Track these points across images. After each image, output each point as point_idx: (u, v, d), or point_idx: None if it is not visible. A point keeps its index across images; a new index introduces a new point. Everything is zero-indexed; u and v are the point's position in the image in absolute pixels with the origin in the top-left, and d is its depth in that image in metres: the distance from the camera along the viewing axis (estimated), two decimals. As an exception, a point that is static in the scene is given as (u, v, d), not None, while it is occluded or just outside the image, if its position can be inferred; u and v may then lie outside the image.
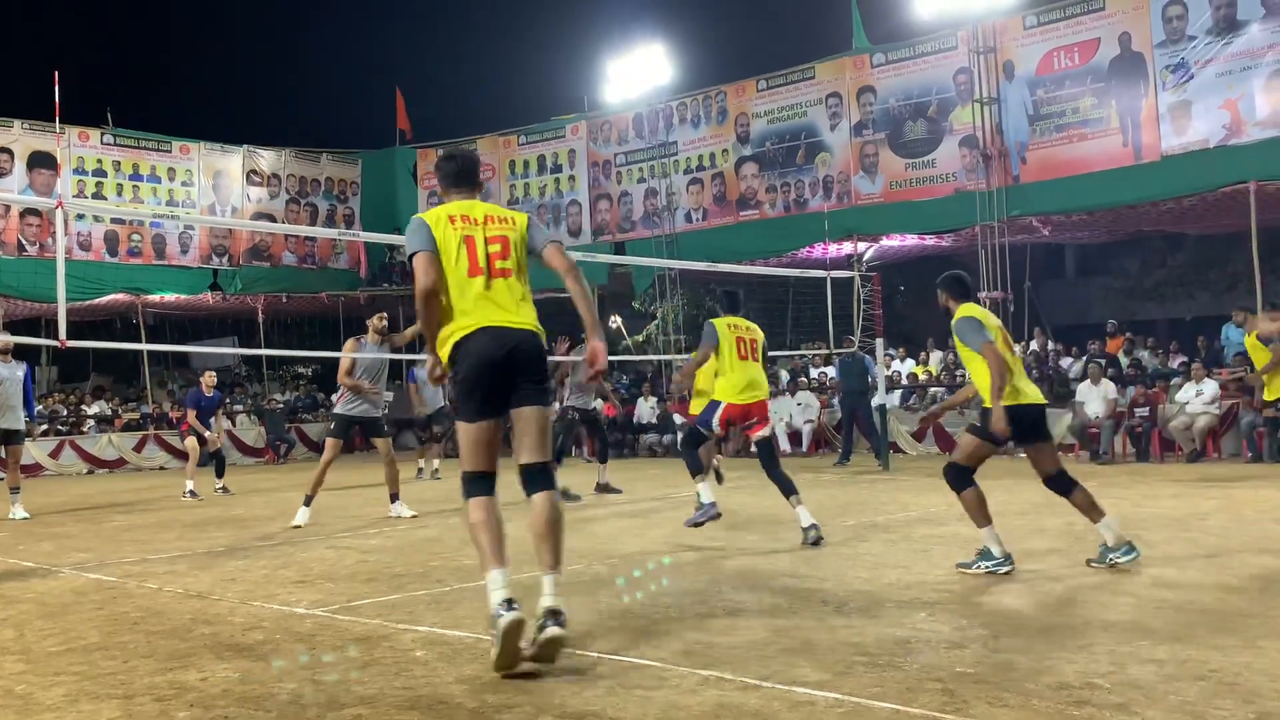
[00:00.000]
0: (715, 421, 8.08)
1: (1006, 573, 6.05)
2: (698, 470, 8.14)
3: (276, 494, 13.62)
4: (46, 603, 6.16)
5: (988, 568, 6.08)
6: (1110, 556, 6.11)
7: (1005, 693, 3.73)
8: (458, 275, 4.48)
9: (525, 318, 4.51)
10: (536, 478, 4.48)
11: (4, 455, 11.74)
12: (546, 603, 4.21)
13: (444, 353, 4.51)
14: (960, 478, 6.34)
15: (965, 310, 6.45)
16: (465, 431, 4.50)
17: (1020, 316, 18.41)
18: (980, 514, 6.26)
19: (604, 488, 11.99)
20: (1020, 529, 7.95)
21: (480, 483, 4.51)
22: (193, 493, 13.31)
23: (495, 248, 4.56)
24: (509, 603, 4.17)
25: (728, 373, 8.02)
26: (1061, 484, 6.36)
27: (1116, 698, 3.65)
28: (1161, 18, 16.36)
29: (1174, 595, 5.31)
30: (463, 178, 4.86)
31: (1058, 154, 17.46)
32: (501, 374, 4.42)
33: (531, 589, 4.37)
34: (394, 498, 10.05)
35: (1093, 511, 6.25)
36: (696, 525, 7.95)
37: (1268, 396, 12.18)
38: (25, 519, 11.25)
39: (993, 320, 6.44)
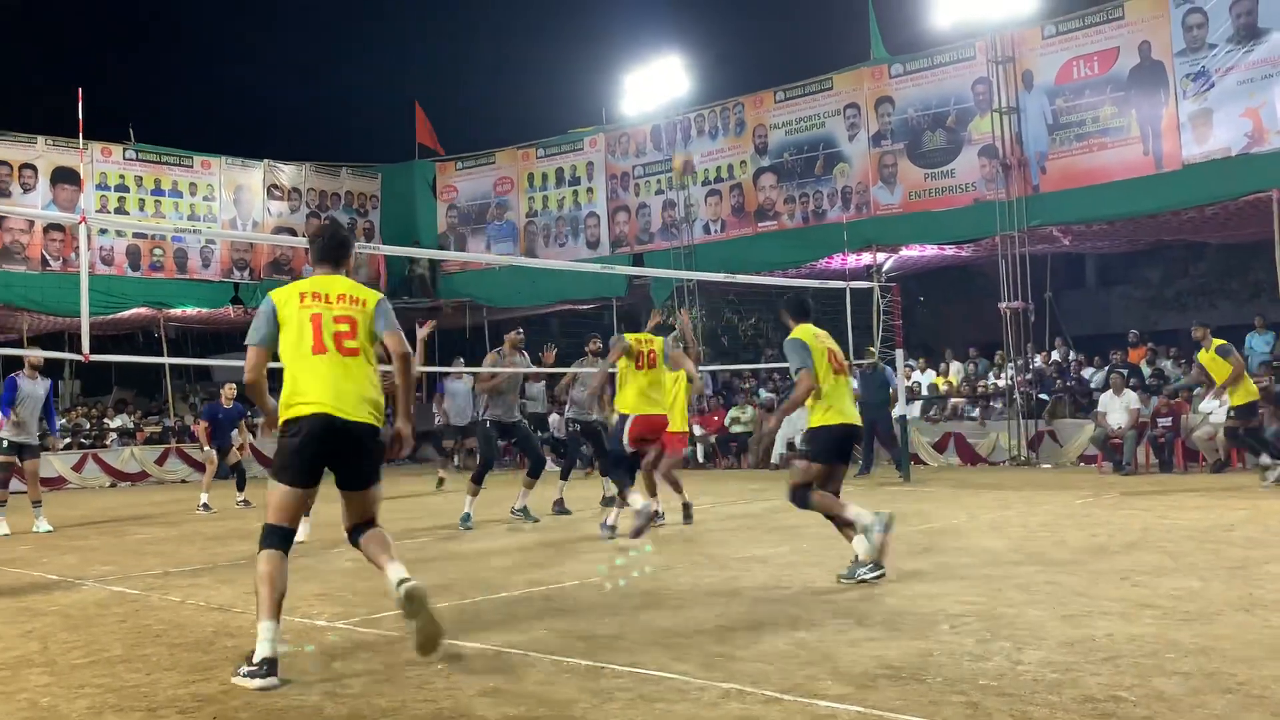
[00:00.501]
0: (625, 438, 8.73)
1: (878, 578, 6.20)
2: (625, 484, 8.68)
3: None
4: (70, 615, 6.20)
5: (864, 575, 6.24)
6: (859, 573, 6.26)
7: (1030, 705, 3.70)
8: (301, 351, 4.70)
9: (362, 407, 4.69)
10: (361, 529, 4.85)
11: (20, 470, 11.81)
12: (398, 575, 4.68)
13: (282, 417, 4.71)
14: (802, 497, 6.58)
15: (796, 332, 6.85)
16: (279, 492, 4.69)
17: (1041, 327, 18.33)
18: (839, 514, 6.54)
19: (609, 501, 11.87)
20: (1043, 541, 7.91)
21: (278, 537, 4.68)
22: (206, 506, 13.39)
23: (344, 327, 4.77)
24: (271, 666, 4.44)
25: (629, 385, 8.88)
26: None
27: (1142, 710, 3.62)
28: (1181, 26, 16.28)
29: (1199, 607, 5.27)
30: (327, 254, 5.09)
31: (1078, 163, 17.37)
32: (329, 457, 4.70)
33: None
34: None
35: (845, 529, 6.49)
36: (638, 534, 8.30)
37: (1234, 402, 12.43)
38: (49, 531, 11.34)
39: (822, 345, 6.78)
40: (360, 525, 4.85)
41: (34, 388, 11.55)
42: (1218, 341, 12.39)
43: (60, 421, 22.47)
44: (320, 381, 4.64)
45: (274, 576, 4.58)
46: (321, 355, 4.69)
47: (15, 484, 12.10)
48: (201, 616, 6.01)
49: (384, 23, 50.87)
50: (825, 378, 6.65)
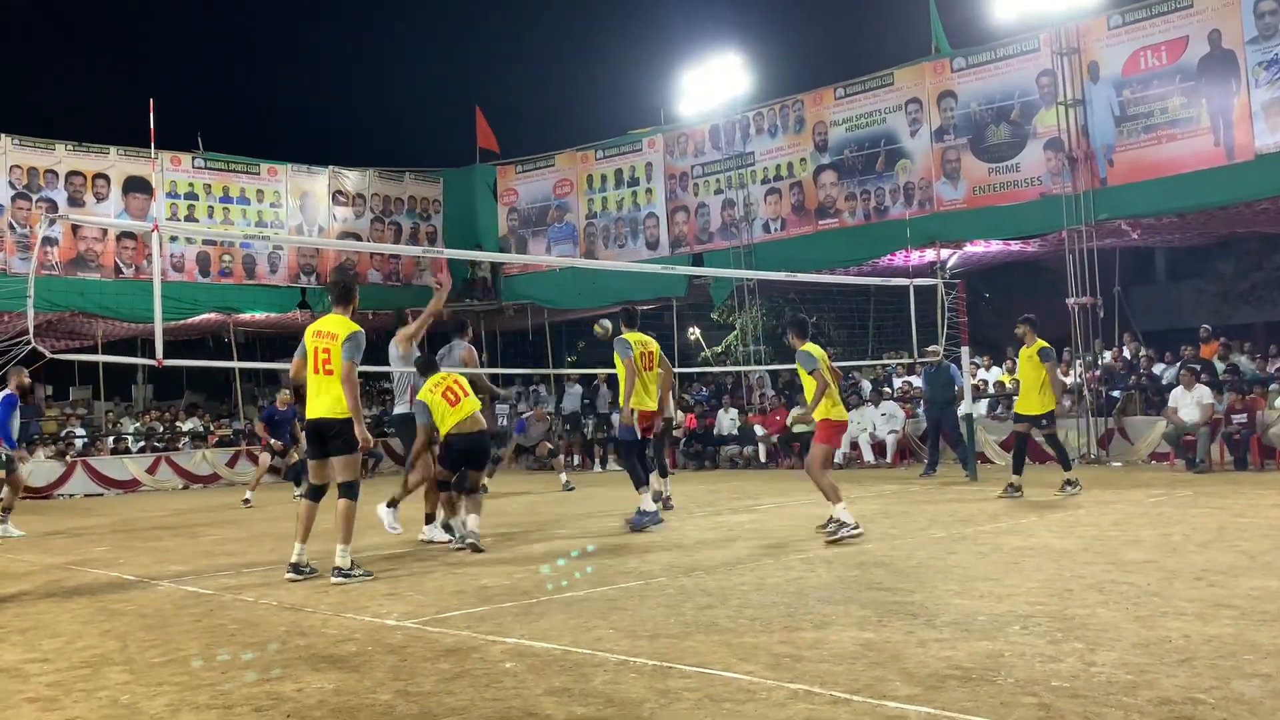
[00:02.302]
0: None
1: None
2: (641, 482, 9.73)
3: (362, 506, 13.82)
4: (147, 615, 6.35)
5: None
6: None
7: (1104, 708, 3.65)
8: (309, 370, 7.40)
9: (328, 406, 7.28)
10: (341, 489, 7.41)
11: None
12: (336, 561, 7.25)
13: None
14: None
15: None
16: (309, 461, 7.70)
17: (1110, 322, 18.00)
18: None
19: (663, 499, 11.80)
20: (1114, 540, 7.78)
21: (313, 490, 7.64)
22: (246, 500, 14.58)
23: (324, 355, 7.31)
24: (296, 566, 7.44)
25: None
26: None
27: (1221, 713, 3.55)
28: (1253, 13, 15.86)
29: (1278, 607, 5.14)
30: (338, 298, 7.64)
31: (1146, 155, 17.02)
32: (317, 438, 7.43)
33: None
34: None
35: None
36: (639, 529, 9.43)
37: (1023, 410, 11.67)
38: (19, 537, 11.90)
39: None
40: (340, 485, 7.36)
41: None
42: (1041, 343, 11.62)
43: (134, 425, 23.11)
44: (311, 390, 7.40)
45: (306, 516, 7.52)
46: (316, 374, 7.34)
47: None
48: (274, 616, 6.12)
49: (445, 30, 51.40)
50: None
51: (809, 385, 9.00)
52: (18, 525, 12.18)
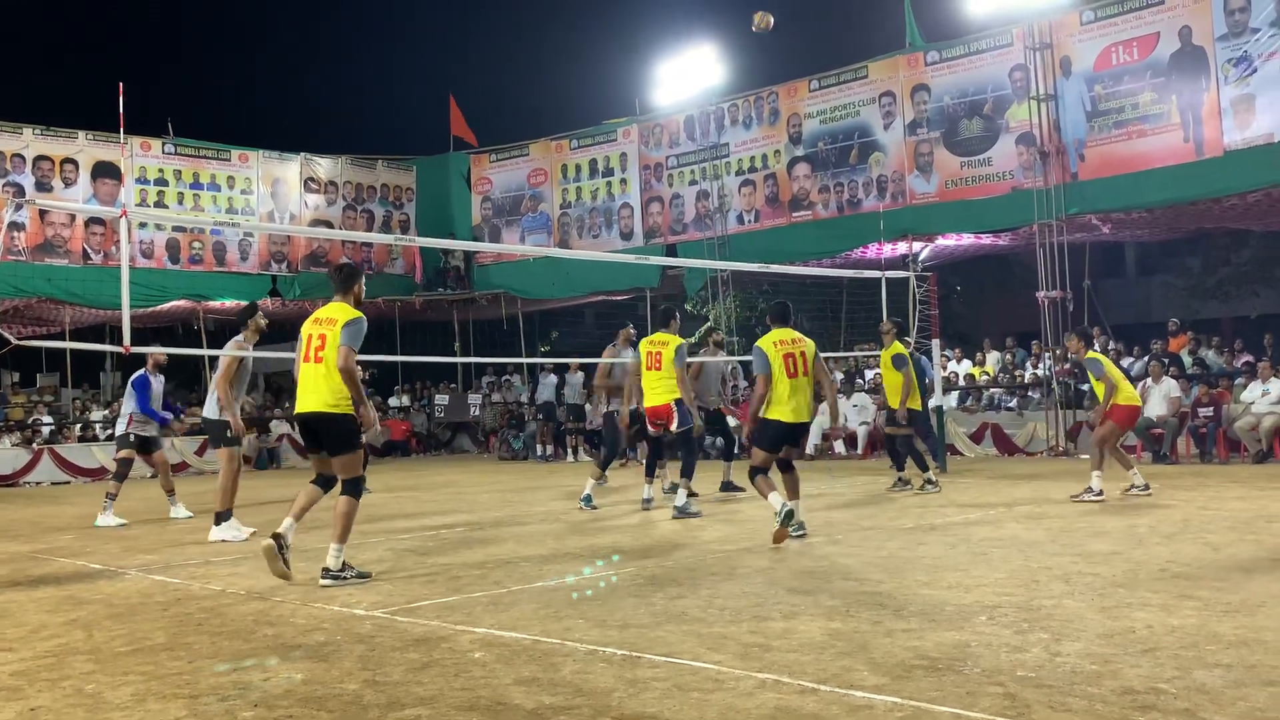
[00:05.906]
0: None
1: None
2: (689, 474, 10.09)
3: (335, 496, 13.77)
4: (114, 604, 6.30)
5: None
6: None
7: (1068, 697, 3.68)
8: (299, 359, 6.87)
9: (320, 399, 6.71)
10: (341, 486, 6.83)
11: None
12: (327, 560, 6.68)
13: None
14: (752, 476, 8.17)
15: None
16: (309, 455, 7.20)
17: (1080, 316, 18.13)
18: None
19: (728, 485, 11.97)
20: (1081, 532, 7.85)
21: (321, 480, 6.96)
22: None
23: (318, 341, 6.78)
24: (279, 535, 6.66)
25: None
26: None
27: (1183, 703, 3.59)
28: (1223, 11, 16.00)
29: (1241, 598, 5.21)
30: (337, 285, 7.08)
31: (1117, 150, 17.16)
32: (308, 432, 6.95)
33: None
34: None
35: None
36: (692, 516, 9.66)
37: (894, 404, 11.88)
38: (189, 518, 11.69)
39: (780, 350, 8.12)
40: (341, 481, 6.82)
41: (158, 384, 12.00)
42: (897, 347, 11.79)
43: (101, 413, 22.87)
44: (301, 382, 6.83)
45: (304, 497, 6.89)
46: (306, 363, 6.79)
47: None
48: (242, 605, 6.09)
49: (419, 16, 51.06)
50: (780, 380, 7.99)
51: (1099, 387, 10.29)
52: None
